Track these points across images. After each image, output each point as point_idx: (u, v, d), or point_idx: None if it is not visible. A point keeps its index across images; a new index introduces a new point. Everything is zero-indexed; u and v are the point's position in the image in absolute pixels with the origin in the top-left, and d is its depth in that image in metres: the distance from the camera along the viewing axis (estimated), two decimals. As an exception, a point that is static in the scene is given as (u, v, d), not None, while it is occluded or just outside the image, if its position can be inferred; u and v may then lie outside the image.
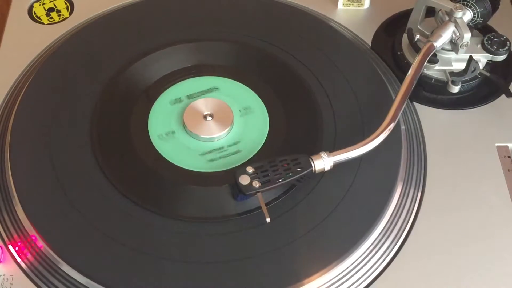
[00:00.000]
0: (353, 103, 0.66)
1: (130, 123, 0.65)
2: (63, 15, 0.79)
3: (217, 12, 0.76)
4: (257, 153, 0.63)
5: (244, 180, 0.56)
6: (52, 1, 0.80)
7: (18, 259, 0.57)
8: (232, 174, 0.57)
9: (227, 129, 0.64)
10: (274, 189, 0.57)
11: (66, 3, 0.80)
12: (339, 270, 0.56)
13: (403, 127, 0.66)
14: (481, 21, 0.68)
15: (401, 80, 0.67)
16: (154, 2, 0.77)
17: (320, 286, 0.55)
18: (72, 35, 0.74)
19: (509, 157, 0.65)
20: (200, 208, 0.59)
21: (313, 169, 0.57)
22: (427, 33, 0.70)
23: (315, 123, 0.65)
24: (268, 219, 0.55)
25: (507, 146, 0.66)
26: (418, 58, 0.65)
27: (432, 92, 0.70)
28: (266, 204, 0.57)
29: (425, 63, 0.65)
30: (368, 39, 0.76)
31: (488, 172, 0.64)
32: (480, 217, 0.60)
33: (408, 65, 0.68)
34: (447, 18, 0.67)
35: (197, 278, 0.54)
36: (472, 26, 0.69)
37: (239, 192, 0.56)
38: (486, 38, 0.70)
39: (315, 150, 0.58)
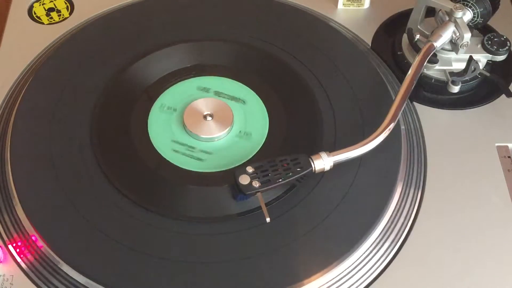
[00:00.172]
0: (353, 103, 0.66)
1: (130, 123, 0.65)
2: (63, 15, 0.79)
3: (217, 12, 0.76)
4: (257, 153, 0.63)
5: (244, 180, 0.56)
6: (52, 1, 0.80)
7: (18, 259, 0.57)
8: (232, 174, 0.57)
9: (227, 129, 0.64)
10: (274, 189, 0.57)
11: (66, 3, 0.80)
12: (339, 270, 0.56)
13: (403, 127, 0.66)
14: (481, 21, 0.68)
15: (401, 80, 0.67)
16: (154, 2, 0.77)
17: (320, 286, 0.55)
18: (72, 35, 0.74)
19: (509, 157, 0.65)
20: (200, 208, 0.59)
21: (313, 169, 0.57)
22: (427, 33, 0.70)
23: (315, 123, 0.65)
24: (268, 219, 0.55)
25: (507, 146, 0.66)
26: (418, 58, 0.65)
27: (432, 92, 0.70)
28: (266, 204, 0.57)
29: (425, 63, 0.65)
30: (368, 39, 0.76)
31: (488, 172, 0.64)
32: (480, 217, 0.60)
33: (408, 65, 0.68)
34: (447, 18, 0.67)
35: (197, 278, 0.54)
36: (472, 26, 0.69)
37: (239, 192, 0.56)
38: (486, 38, 0.70)
39: (315, 150, 0.58)
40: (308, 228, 0.57)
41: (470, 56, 0.67)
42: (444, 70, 0.69)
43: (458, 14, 0.66)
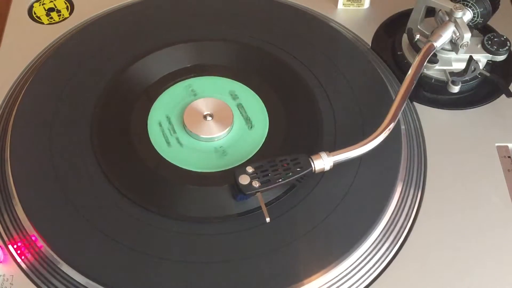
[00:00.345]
0: (353, 103, 0.66)
1: (130, 123, 0.65)
2: (63, 15, 0.79)
3: (217, 12, 0.76)
4: (257, 152, 0.63)
5: (244, 180, 0.56)
6: (52, 1, 0.80)
7: (18, 259, 0.57)
8: (232, 174, 0.57)
9: (227, 129, 0.64)
10: (274, 189, 0.57)
11: (66, 3, 0.80)
12: (339, 270, 0.56)
13: (403, 127, 0.66)
14: (481, 21, 0.68)
15: (401, 80, 0.67)
16: (154, 2, 0.77)
17: (320, 286, 0.55)
18: (72, 35, 0.74)
19: (509, 157, 0.65)
20: (200, 208, 0.59)
21: (313, 169, 0.57)
22: (427, 33, 0.70)
23: (315, 123, 0.65)
24: (268, 219, 0.55)
25: (507, 146, 0.66)
26: (418, 58, 0.65)
27: (432, 92, 0.70)
28: (266, 204, 0.57)
29: (425, 63, 0.65)
30: (368, 39, 0.76)
31: (488, 172, 0.64)
32: (480, 217, 0.60)
33: (408, 65, 0.68)
34: (447, 18, 0.67)
35: (197, 278, 0.54)
36: (472, 26, 0.69)
37: (239, 192, 0.56)
38: (486, 38, 0.70)
39: (315, 150, 0.58)
40: (308, 228, 0.57)
41: (470, 56, 0.67)
42: (444, 70, 0.69)
43: (458, 14, 0.66)
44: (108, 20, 0.75)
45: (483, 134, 0.67)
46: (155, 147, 0.63)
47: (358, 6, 0.80)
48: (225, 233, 0.57)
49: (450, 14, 0.67)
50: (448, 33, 0.66)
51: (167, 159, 0.62)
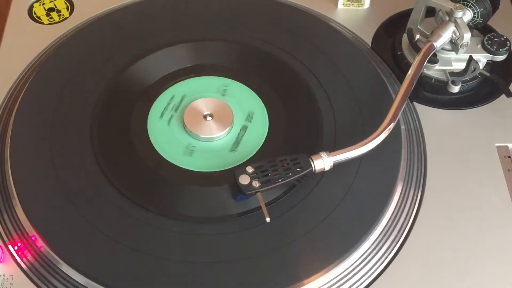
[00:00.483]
0: (353, 103, 0.66)
1: (130, 123, 0.65)
2: (63, 15, 0.79)
3: (217, 12, 0.76)
4: (257, 152, 0.63)
5: (244, 180, 0.56)
6: (52, 1, 0.80)
7: (18, 259, 0.57)
8: (232, 174, 0.57)
9: (227, 129, 0.64)
10: (274, 189, 0.57)
11: (66, 3, 0.80)
12: (340, 270, 0.56)
13: (403, 127, 0.66)
14: (481, 21, 0.68)
15: (401, 80, 0.67)
16: (154, 2, 0.77)
17: (320, 286, 0.55)
18: (72, 35, 0.74)
19: (509, 157, 0.65)
20: (200, 208, 0.59)
21: (313, 169, 0.57)
22: (427, 33, 0.70)
23: (315, 123, 0.65)
24: (268, 219, 0.55)
25: (507, 146, 0.66)
26: (418, 58, 0.65)
27: (432, 92, 0.70)
28: (266, 204, 0.57)
29: (425, 63, 0.65)
30: (368, 39, 0.76)
31: (488, 172, 0.64)
32: (480, 217, 0.60)
33: (408, 65, 0.68)
34: (447, 18, 0.67)
35: (197, 278, 0.54)
36: (472, 26, 0.69)
37: (239, 192, 0.56)
38: (486, 38, 0.70)
39: (315, 150, 0.58)
40: (308, 228, 0.57)
41: (470, 56, 0.67)
42: (444, 70, 0.69)
43: (458, 14, 0.66)
44: (108, 20, 0.75)
45: (483, 134, 0.67)
46: (155, 147, 0.63)
47: (358, 6, 0.80)
48: (225, 233, 0.57)
49: (450, 14, 0.67)
50: (448, 33, 0.66)
51: (167, 159, 0.62)
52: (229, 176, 0.59)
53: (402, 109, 0.62)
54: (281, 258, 0.55)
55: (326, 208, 0.58)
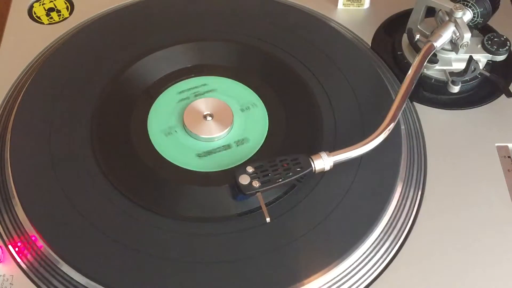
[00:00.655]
0: (353, 103, 0.66)
1: (130, 123, 0.65)
2: (63, 15, 0.79)
3: (217, 12, 0.76)
4: (257, 152, 0.63)
5: (244, 180, 0.56)
6: (52, 1, 0.80)
7: (18, 259, 0.57)
8: (232, 174, 0.57)
9: (227, 129, 0.64)
10: (274, 189, 0.57)
11: (66, 3, 0.80)
12: (340, 270, 0.56)
13: (403, 127, 0.66)
14: (481, 21, 0.68)
15: (401, 80, 0.67)
16: (154, 2, 0.77)
17: (320, 286, 0.55)
18: (72, 35, 0.74)
19: (509, 157, 0.65)
20: (200, 208, 0.59)
21: (313, 169, 0.57)
22: (427, 33, 0.70)
23: (315, 123, 0.65)
24: (268, 219, 0.55)
25: (507, 146, 0.66)
26: (418, 58, 0.65)
27: (432, 92, 0.70)
28: (266, 204, 0.57)
29: (425, 63, 0.65)
30: (368, 39, 0.76)
31: (488, 172, 0.64)
32: (480, 217, 0.60)
33: (408, 65, 0.68)
34: (447, 18, 0.67)
35: (197, 278, 0.54)
36: (472, 26, 0.69)
37: (239, 192, 0.56)
38: (486, 38, 0.70)
39: (315, 150, 0.58)
40: (308, 228, 0.57)
41: (470, 56, 0.67)
42: (444, 70, 0.69)
43: (458, 14, 0.66)
44: (108, 20, 0.75)
45: (483, 134, 0.67)
46: (155, 147, 0.63)
47: (358, 6, 0.80)
48: (225, 233, 0.57)
49: (450, 14, 0.67)
50: (448, 33, 0.66)
51: (167, 159, 0.62)
52: (229, 176, 0.59)
53: (402, 109, 0.62)
54: (281, 258, 0.55)
55: (326, 208, 0.58)
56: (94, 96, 0.66)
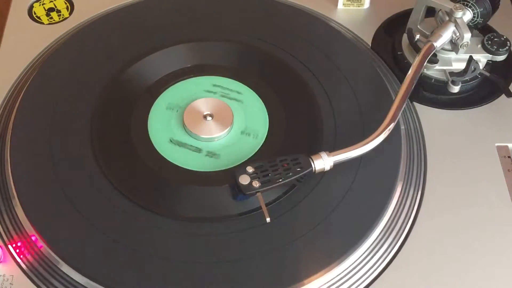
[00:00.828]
0: (353, 103, 0.66)
1: (130, 123, 0.65)
2: (63, 15, 0.79)
3: (217, 12, 0.76)
4: (257, 152, 0.63)
5: (244, 180, 0.56)
6: (52, 1, 0.80)
7: (18, 259, 0.57)
8: (232, 174, 0.57)
9: (227, 129, 0.64)
10: (274, 189, 0.57)
11: (66, 3, 0.80)
12: (339, 270, 0.56)
13: (403, 127, 0.66)
14: (481, 21, 0.68)
15: (401, 80, 0.67)
16: (154, 2, 0.77)
17: (320, 286, 0.55)
18: (72, 35, 0.74)
19: (509, 157, 0.65)
20: (200, 208, 0.59)
21: (313, 169, 0.57)
22: (427, 33, 0.70)
23: (315, 123, 0.65)
24: (268, 219, 0.55)
25: (507, 146, 0.66)
26: (418, 58, 0.65)
27: (432, 92, 0.70)
28: (266, 204, 0.57)
29: (425, 63, 0.65)
30: (368, 39, 0.76)
31: (488, 172, 0.64)
32: (480, 217, 0.60)
33: (408, 65, 0.68)
34: (447, 18, 0.67)
35: (197, 278, 0.54)
36: (472, 26, 0.69)
37: (239, 192, 0.56)
38: (486, 38, 0.70)
39: (315, 150, 0.58)
40: (308, 228, 0.57)
41: (470, 56, 0.67)
42: (444, 70, 0.69)
43: (458, 14, 0.66)
44: (108, 20, 0.75)
45: (483, 134, 0.67)
46: (155, 147, 0.63)
47: (358, 6, 0.80)
48: (225, 233, 0.57)
49: (450, 14, 0.67)
50: (448, 33, 0.66)
51: (167, 159, 0.62)
52: (229, 176, 0.59)
53: (402, 109, 0.62)
54: (281, 258, 0.55)
55: (326, 208, 0.58)
56: (94, 96, 0.66)
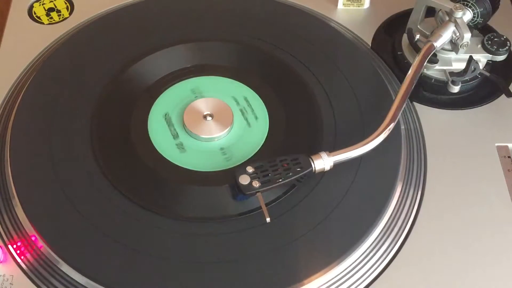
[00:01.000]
0: (353, 103, 0.66)
1: (130, 123, 0.65)
2: (63, 15, 0.79)
3: (217, 12, 0.76)
4: (257, 153, 0.63)
5: (244, 180, 0.56)
6: (52, 1, 0.80)
7: (18, 259, 0.57)
8: (232, 174, 0.57)
9: (227, 129, 0.64)
10: (274, 189, 0.57)
11: (66, 3, 0.80)
12: (339, 270, 0.56)
13: (403, 127, 0.66)
14: (481, 21, 0.68)
15: (401, 80, 0.67)
16: (154, 2, 0.77)
17: (320, 286, 0.55)
18: (72, 35, 0.74)
19: (509, 157, 0.65)
20: (200, 208, 0.59)
21: (313, 169, 0.57)
22: (427, 33, 0.70)
23: (315, 123, 0.65)
24: (268, 219, 0.55)
25: (507, 146, 0.66)
26: (418, 58, 0.65)
27: (432, 92, 0.70)
28: (266, 204, 0.57)
29: (425, 63, 0.65)
30: (368, 39, 0.76)
31: (488, 172, 0.64)
32: (480, 217, 0.60)
33: (408, 65, 0.68)
34: (447, 18, 0.67)
35: (197, 278, 0.54)
36: (472, 26, 0.69)
37: (239, 192, 0.56)
38: (486, 38, 0.70)
39: (315, 150, 0.58)
40: (308, 228, 0.57)
41: (470, 56, 0.67)
42: (444, 70, 0.69)
43: (458, 14, 0.66)
44: (108, 20, 0.75)
45: (483, 134, 0.67)
46: (155, 147, 0.63)
47: (358, 6, 0.80)
48: (225, 233, 0.57)
49: (450, 14, 0.67)
50: (448, 33, 0.66)
51: (167, 158, 0.62)
52: (229, 176, 0.59)
53: (402, 109, 0.62)
54: (281, 258, 0.55)
55: (326, 208, 0.58)
56: (94, 96, 0.66)
